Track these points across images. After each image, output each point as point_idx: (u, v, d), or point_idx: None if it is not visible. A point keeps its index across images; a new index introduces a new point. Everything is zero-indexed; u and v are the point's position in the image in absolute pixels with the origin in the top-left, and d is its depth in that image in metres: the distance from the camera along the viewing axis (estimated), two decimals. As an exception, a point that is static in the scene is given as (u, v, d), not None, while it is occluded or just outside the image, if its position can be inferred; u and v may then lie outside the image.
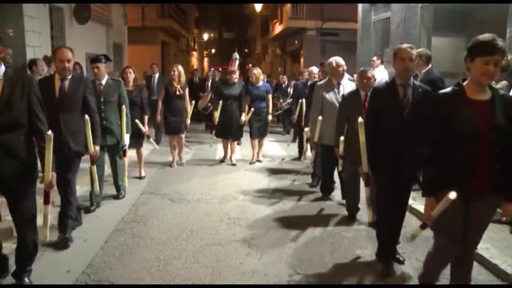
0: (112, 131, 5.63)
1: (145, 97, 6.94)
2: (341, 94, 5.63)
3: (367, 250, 4.48)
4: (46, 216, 3.48)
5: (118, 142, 5.78)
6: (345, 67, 5.82)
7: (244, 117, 8.29)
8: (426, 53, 5.96)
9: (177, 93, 7.94)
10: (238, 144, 9.92)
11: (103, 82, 5.58)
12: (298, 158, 9.00)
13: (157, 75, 11.44)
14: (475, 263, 3.57)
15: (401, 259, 4.19)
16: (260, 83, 8.51)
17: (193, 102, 8.58)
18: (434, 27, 8.44)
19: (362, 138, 3.97)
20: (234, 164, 8.44)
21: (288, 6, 21.56)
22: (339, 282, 3.88)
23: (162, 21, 20.27)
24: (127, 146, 6.08)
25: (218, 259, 4.24)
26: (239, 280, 3.85)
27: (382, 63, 9.23)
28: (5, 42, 7.51)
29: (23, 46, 7.99)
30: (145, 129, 6.83)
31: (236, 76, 8.30)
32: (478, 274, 3.96)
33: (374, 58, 9.12)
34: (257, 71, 8.62)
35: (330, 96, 5.79)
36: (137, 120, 6.57)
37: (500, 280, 3.90)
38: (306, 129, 6.75)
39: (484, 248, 4.19)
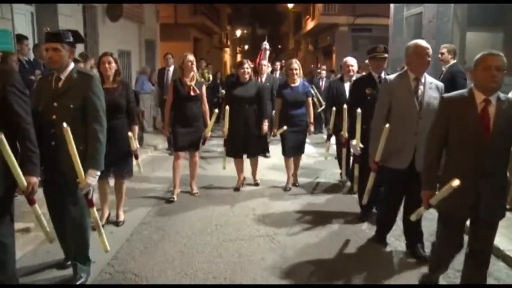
0: (68, 160, 3.30)
1: (132, 97, 4.92)
2: (421, 95, 3.89)
3: (392, 250, 4.40)
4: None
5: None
6: (429, 58, 3.87)
7: (266, 126, 6.31)
8: (453, 49, 6.16)
9: (192, 93, 5.79)
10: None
11: (63, 75, 3.48)
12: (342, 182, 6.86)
13: (171, 68, 9.37)
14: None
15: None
16: (298, 82, 6.30)
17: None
18: (468, 22, 8.20)
19: None
20: (257, 184, 6.58)
21: (320, 1, 21.45)
22: (361, 281, 3.83)
23: (194, 18, 20.45)
24: (92, 191, 3.51)
25: (240, 254, 4.27)
26: (260, 275, 3.86)
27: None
28: (41, 40, 7.77)
29: (57, 43, 8.24)
30: (136, 146, 4.94)
31: (247, 71, 6.13)
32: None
33: (406, 54, 8.94)
34: (298, 64, 6.43)
35: (403, 97, 3.92)
36: (130, 134, 4.78)
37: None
38: (354, 142, 4.95)
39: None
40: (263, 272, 3.92)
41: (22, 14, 7.75)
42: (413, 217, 3.50)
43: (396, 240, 4.57)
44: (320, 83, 11.70)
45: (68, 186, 3.43)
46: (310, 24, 24.32)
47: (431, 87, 3.93)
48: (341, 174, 6.80)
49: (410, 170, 3.95)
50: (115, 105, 4.62)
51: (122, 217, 5.08)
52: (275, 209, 5.64)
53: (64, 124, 3.19)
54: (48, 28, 8.20)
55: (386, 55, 4.98)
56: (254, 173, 6.61)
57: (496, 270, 3.91)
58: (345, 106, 5.46)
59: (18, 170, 2.91)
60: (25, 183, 2.96)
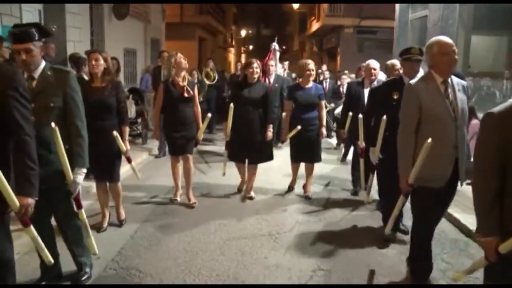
0: (52, 163, 3.19)
1: (123, 97, 4.67)
2: (453, 100, 3.35)
3: (393, 250, 4.45)
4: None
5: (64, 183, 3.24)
6: (456, 55, 3.37)
7: (271, 132, 5.86)
8: None
9: (186, 94, 5.42)
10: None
11: (36, 74, 3.22)
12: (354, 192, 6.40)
13: None
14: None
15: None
16: (311, 83, 6.00)
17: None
18: (474, 25, 8.21)
19: None
20: (251, 198, 6.02)
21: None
22: (362, 281, 3.87)
23: (200, 17, 20.53)
24: (80, 190, 3.39)
25: (243, 253, 4.32)
26: (262, 273, 3.91)
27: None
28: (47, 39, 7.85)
29: (64, 41, 8.32)
30: (125, 148, 4.62)
31: (256, 71, 5.69)
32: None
33: (410, 57, 8.95)
34: (314, 65, 6.08)
35: (435, 105, 3.32)
36: (115, 133, 4.42)
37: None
38: (373, 150, 4.62)
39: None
40: (266, 271, 3.96)
41: (30, 11, 7.81)
42: (459, 277, 2.98)
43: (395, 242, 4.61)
44: (324, 85, 10.91)
45: (58, 187, 3.26)
46: (315, 25, 24.38)
47: (459, 88, 3.42)
48: (352, 181, 6.49)
49: (448, 189, 3.47)
50: (104, 104, 4.43)
51: (123, 215, 5.03)
52: (279, 209, 5.68)
53: (53, 124, 3.00)
54: (55, 26, 8.29)
55: (421, 57, 4.34)
56: (250, 184, 6.08)
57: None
58: (360, 116, 5.02)
59: (7, 188, 2.48)
60: (18, 204, 2.55)
